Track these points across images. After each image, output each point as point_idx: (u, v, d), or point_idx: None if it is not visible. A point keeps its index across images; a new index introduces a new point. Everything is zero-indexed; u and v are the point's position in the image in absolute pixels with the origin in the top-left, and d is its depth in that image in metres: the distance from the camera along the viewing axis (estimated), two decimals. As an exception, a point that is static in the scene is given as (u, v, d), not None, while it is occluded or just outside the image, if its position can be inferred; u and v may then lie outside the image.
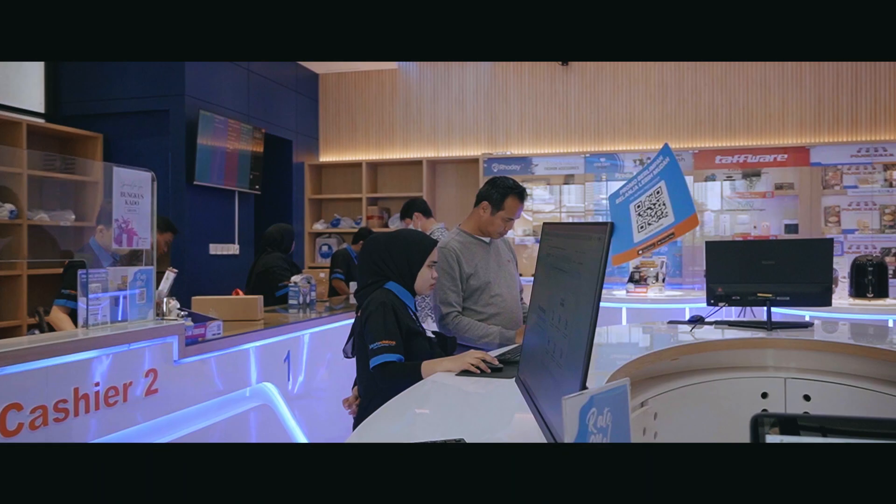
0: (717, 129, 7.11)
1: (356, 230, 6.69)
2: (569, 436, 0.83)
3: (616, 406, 0.90)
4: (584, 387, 0.96)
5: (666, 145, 1.13)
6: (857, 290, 4.79)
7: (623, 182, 3.02)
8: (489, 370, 2.24)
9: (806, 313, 4.40)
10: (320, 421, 3.92)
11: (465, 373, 2.24)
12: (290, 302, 4.51)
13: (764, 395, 2.98)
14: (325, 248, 8.06)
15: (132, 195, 2.84)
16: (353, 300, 5.30)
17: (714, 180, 6.95)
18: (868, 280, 4.76)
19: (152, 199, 2.95)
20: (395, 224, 7.85)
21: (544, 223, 1.42)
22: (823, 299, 3.22)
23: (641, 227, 1.00)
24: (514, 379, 2.23)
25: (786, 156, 6.71)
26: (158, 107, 5.97)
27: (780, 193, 6.77)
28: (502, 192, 3.04)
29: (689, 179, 6.95)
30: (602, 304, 1.08)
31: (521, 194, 3.06)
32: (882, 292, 4.73)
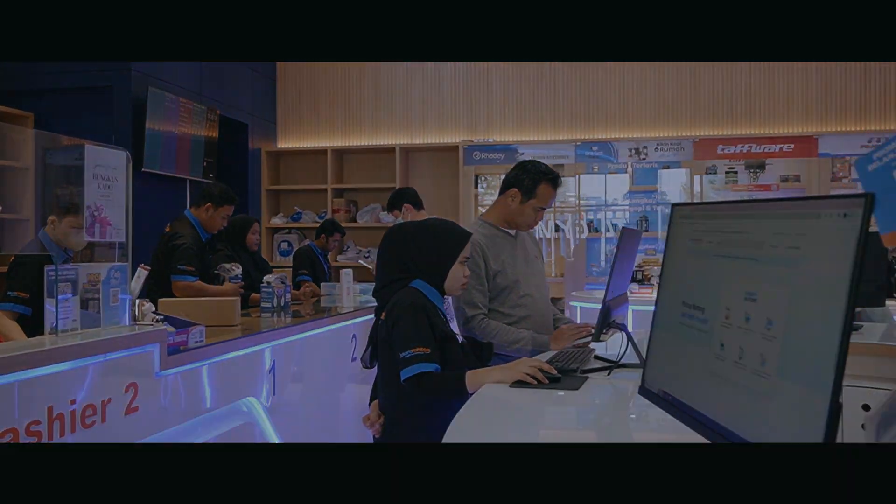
0: (719, 117, 7.13)
1: (320, 224, 6.45)
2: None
3: None
4: (836, 400, 0.84)
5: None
6: (883, 290, 4.82)
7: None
8: (547, 381, 2.12)
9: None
10: (317, 438, 3.73)
11: (518, 384, 2.11)
12: (263, 305, 4.32)
13: (819, 405, 2.93)
14: (284, 246, 7.83)
15: (105, 178, 2.62)
16: (323, 302, 5.13)
17: (715, 173, 6.98)
18: (894, 279, 4.79)
19: (127, 184, 2.73)
20: (363, 218, 7.67)
21: (673, 204, 1.30)
22: (877, 299, 3.20)
23: (920, 198, 0.89)
24: (578, 390, 2.12)
25: (792, 146, 6.76)
26: (100, 82, 5.68)
27: (786, 186, 6.83)
28: (534, 177, 2.91)
29: (687, 171, 6.99)
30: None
31: (554, 180, 2.94)
32: (909, 292, 4.76)
